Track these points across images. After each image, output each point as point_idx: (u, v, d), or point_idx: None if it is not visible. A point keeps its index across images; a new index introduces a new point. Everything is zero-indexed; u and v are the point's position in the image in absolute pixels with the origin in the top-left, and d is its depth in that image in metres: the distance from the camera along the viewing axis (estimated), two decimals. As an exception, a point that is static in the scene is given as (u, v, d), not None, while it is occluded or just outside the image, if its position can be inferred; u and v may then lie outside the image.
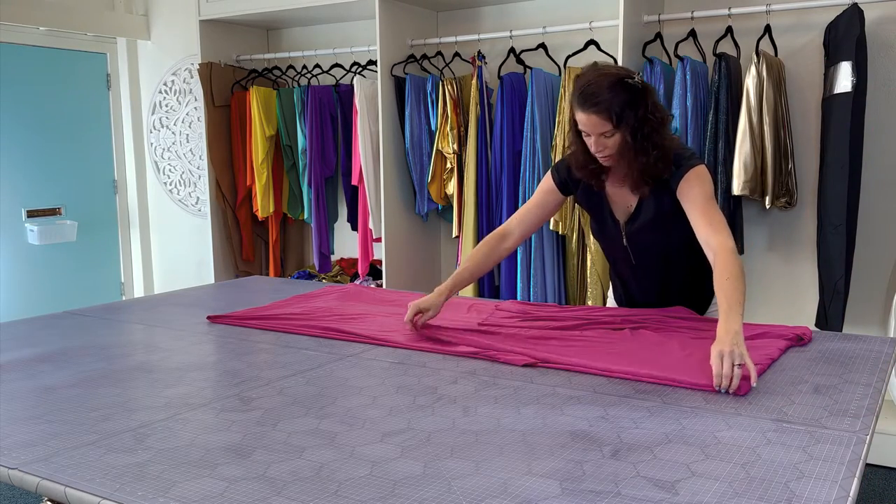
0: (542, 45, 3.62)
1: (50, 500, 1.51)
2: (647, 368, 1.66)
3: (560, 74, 3.48)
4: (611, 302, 2.35)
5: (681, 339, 1.90)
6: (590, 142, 1.89)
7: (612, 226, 2.05)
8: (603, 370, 1.69)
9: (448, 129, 3.72)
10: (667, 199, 1.94)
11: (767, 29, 3.20)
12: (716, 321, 1.72)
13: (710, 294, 2.12)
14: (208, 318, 2.31)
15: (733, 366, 1.51)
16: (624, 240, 2.05)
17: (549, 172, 2.13)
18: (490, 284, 3.74)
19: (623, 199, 2.02)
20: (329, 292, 2.65)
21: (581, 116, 1.85)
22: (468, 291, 3.70)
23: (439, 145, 3.77)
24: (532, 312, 2.22)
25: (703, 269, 1.98)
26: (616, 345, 1.87)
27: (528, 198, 3.41)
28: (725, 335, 1.57)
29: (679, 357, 1.76)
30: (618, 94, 1.81)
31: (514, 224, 2.14)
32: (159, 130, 5.19)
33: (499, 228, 2.16)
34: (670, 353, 1.79)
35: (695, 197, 1.87)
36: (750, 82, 3.06)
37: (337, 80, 4.31)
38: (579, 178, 2.03)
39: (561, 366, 1.74)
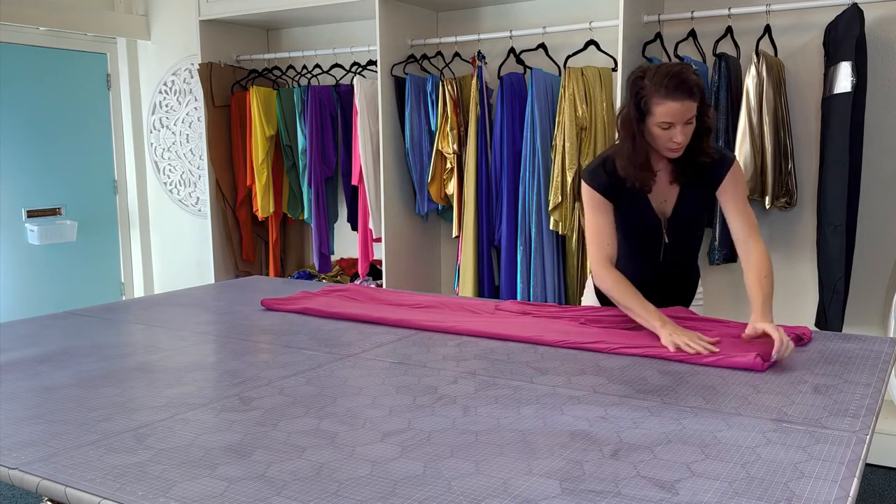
0: (542, 46, 3.62)
1: (50, 500, 1.51)
2: (640, 343, 1.85)
3: (560, 74, 3.48)
4: (591, 297, 2.31)
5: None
6: (671, 133, 1.90)
7: (654, 224, 2.09)
8: (595, 343, 1.89)
9: (448, 129, 3.72)
10: (705, 189, 2.04)
11: (767, 29, 3.20)
12: (714, 320, 2.01)
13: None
14: (263, 303, 2.48)
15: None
16: (665, 237, 2.11)
17: (586, 190, 2.08)
18: (490, 284, 3.73)
19: (662, 195, 2.07)
20: (329, 292, 2.64)
21: (673, 106, 1.87)
22: (468, 291, 3.70)
23: (439, 145, 3.76)
24: (532, 312, 2.24)
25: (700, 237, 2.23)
26: (612, 333, 2.01)
27: (528, 197, 3.47)
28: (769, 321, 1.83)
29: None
30: (698, 79, 1.90)
31: (611, 249, 2.07)
32: (159, 130, 5.19)
33: (608, 261, 2.06)
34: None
35: (736, 194, 2.04)
36: (750, 82, 3.06)
37: (337, 80, 4.31)
38: (621, 182, 2.02)
39: (560, 343, 1.92)
